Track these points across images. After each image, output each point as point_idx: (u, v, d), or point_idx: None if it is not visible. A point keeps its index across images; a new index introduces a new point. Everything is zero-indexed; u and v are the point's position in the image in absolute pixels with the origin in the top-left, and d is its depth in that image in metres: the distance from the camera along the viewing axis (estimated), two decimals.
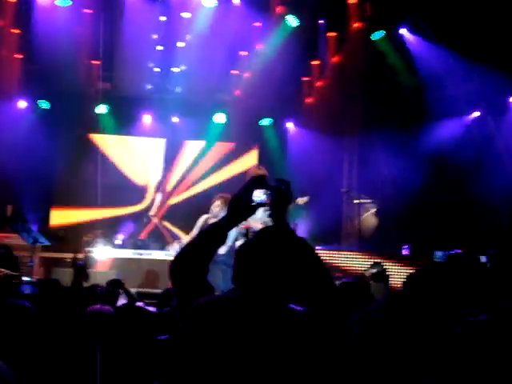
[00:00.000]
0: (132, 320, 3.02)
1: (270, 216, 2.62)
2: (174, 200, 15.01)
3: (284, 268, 2.41)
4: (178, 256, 2.58)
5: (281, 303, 2.38)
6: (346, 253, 12.80)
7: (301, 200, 9.90)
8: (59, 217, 14.43)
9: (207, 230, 2.63)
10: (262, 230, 2.63)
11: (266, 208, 2.66)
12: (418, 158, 12.76)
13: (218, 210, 9.37)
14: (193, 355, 2.22)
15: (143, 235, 14.19)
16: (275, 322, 2.28)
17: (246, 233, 2.70)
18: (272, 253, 2.44)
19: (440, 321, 3.29)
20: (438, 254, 8.33)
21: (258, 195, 2.60)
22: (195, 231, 9.34)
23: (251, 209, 2.61)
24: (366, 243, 13.50)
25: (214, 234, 2.60)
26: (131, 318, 3.03)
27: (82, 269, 3.76)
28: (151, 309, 5.32)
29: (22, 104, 13.98)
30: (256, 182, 2.60)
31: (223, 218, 2.62)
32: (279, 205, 2.62)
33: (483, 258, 4.56)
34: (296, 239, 2.51)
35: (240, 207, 2.59)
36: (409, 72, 12.86)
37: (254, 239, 2.57)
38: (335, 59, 13.57)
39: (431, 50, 12.62)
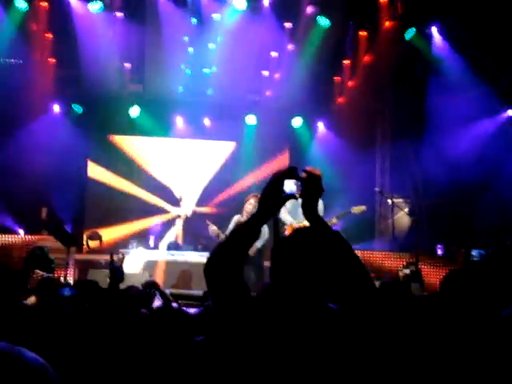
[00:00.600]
0: (169, 322, 3.02)
1: (301, 207, 2.60)
2: (207, 203, 15.03)
3: (322, 267, 2.40)
4: (212, 256, 2.56)
5: (318, 302, 2.37)
6: (379, 252, 12.77)
7: (356, 208, 9.86)
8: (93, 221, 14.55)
9: (240, 227, 2.61)
10: (299, 229, 2.62)
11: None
12: (450, 157, 12.64)
13: (251, 208, 9.40)
14: (232, 355, 2.22)
15: (178, 237, 14.23)
16: (314, 320, 2.28)
17: (275, 223, 2.61)
18: (310, 251, 2.43)
19: (478, 321, 3.26)
20: (475, 252, 8.20)
21: (289, 186, 2.58)
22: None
23: (282, 200, 2.58)
24: (399, 243, 13.43)
25: (247, 230, 2.58)
26: (168, 319, 3.04)
27: (117, 270, 3.78)
28: (187, 310, 5.35)
29: (56, 108, 14.11)
30: (286, 173, 2.58)
31: (255, 213, 2.60)
32: (311, 196, 2.59)
33: None
34: (334, 237, 2.50)
35: (271, 199, 2.57)
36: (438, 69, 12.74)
37: (291, 237, 2.56)
38: (366, 58, 13.49)
39: (453, 55, 12.55)
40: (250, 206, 9.46)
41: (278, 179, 2.56)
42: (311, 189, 2.57)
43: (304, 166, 2.62)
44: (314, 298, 2.37)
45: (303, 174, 2.57)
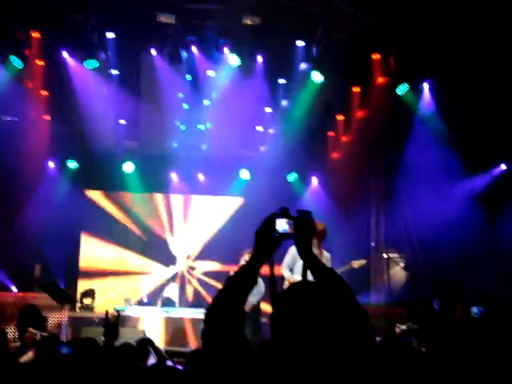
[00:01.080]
0: (164, 380, 2.96)
1: (295, 245, 2.60)
2: (203, 258, 14.98)
3: (323, 319, 2.36)
4: (211, 305, 2.53)
5: (321, 357, 2.32)
6: (375, 307, 12.69)
7: (357, 263, 9.74)
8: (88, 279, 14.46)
9: (236, 274, 2.59)
10: (295, 283, 2.59)
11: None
12: (447, 208, 12.67)
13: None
14: None
15: (173, 294, 14.17)
16: (317, 377, 2.23)
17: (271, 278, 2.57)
18: (309, 305, 2.38)
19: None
20: (475, 309, 8.09)
21: (282, 226, 2.58)
22: None
23: (276, 241, 2.59)
24: (395, 297, 13.36)
25: (244, 275, 2.56)
26: (163, 377, 2.98)
27: (113, 327, 3.73)
28: (179, 367, 5.26)
29: (51, 164, 14.15)
30: (277, 213, 2.59)
31: (250, 258, 2.60)
32: (304, 233, 2.59)
33: None
34: (328, 275, 2.48)
35: (264, 240, 2.57)
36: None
37: (288, 291, 2.52)
38: (360, 114, 13.60)
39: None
40: (244, 262, 9.32)
41: (269, 219, 2.57)
42: (304, 227, 2.58)
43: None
44: (316, 353, 2.32)
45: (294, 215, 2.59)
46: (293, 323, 2.38)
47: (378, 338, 8.48)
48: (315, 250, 9.25)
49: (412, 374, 3.47)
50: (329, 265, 9.17)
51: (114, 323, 3.50)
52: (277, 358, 2.31)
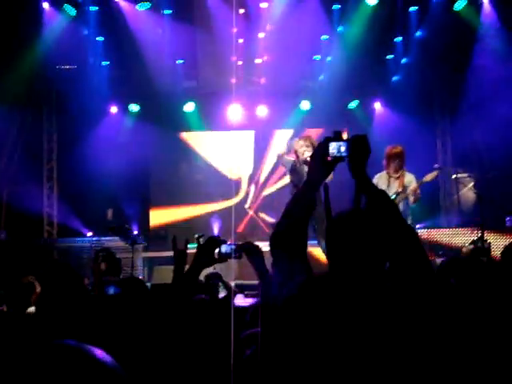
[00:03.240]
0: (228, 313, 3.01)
1: (349, 169, 2.60)
2: (267, 191, 15.05)
3: (378, 244, 2.37)
4: (276, 230, 2.58)
5: (378, 281, 2.33)
6: (446, 229, 12.57)
7: (429, 176, 9.56)
8: (158, 217, 14.72)
9: (294, 199, 2.62)
10: (355, 210, 2.59)
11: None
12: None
13: (303, 150, 9.11)
14: (295, 335, 2.19)
15: (241, 228, 14.32)
16: (375, 301, 2.24)
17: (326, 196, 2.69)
18: (364, 231, 2.39)
19: None
20: None
21: (335, 149, 2.60)
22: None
23: (330, 164, 2.60)
24: (466, 218, 13.20)
25: (303, 197, 2.59)
26: (229, 311, 3.03)
27: (181, 254, 3.81)
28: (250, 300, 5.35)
29: (114, 109, 14.33)
30: (330, 137, 2.59)
31: (305, 181, 2.63)
32: (358, 157, 2.59)
33: None
34: (380, 196, 2.49)
35: (319, 163, 2.58)
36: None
37: (346, 216, 2.53)
38: (419, 34, 13.26)
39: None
40: (301, 147, 9.15)
41: (323, 143, 2.58)
42: (357, 149, 2.58)
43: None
44: (373, 276, 2.34)
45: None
46: (346, 253, 2.39)
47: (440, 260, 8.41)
48: (395, 174, 9.21)
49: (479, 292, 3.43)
50: (412, 185, 9.10)
51: (182, 250, 3.57)
52: (332, 285, 2.33)
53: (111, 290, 3.82)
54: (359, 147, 2.59)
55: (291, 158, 9.29)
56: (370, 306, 2.22)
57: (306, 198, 2.59)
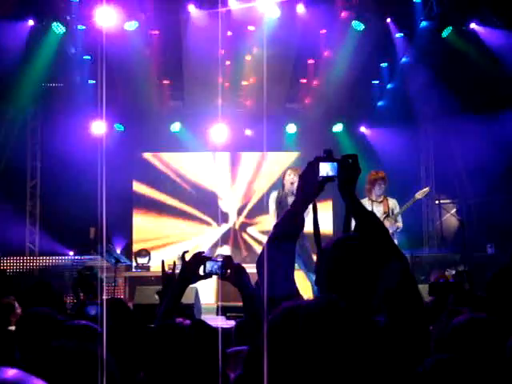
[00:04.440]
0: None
1: (339, 190, 2.60)
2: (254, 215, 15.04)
3: (372, 276, 2.36)
4: (262, 252, 2.58)
5: (366, 313, 2.32)
6: (428, 255, 12.62)
7: (420, 193, 9.67)
8: (142, 238, 14.69)
9: (283, 219, 2.62)
10: (349, 236, 2.60)
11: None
12: (497, 148, 12.43)
13: (289, 179, 9.22)
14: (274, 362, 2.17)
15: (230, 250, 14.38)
16: (361, 333, 2.22)
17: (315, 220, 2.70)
18: (360, 261, 2.39)
19: None
20: None
21: (326, 170, 2.60)
22: (270, 211, 9.36)
23: (320, 184, 2.60)
24: (449, 244, 13.26)
25: (291, 218, 2.59)
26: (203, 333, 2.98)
27: (169, 278, 3.79)
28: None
29: (99, 128, 14.28)
30: (321, 157, 2.59)
31: (293, 201, 2.62)
32: (348, 177, 2.59)
33: None
34: (370, 218, 2.48)
35: (308, 184, 2.58)
36: (486, 63, 12.41)
37: (334, 249, 2.52)
38: (404, 60, 13.35)
39: (506, 38, 12.20)
40: (289, 176, 9.29)
41: (313, 163, 2.58)
42: (348, 170, 2.57)
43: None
44: (362, 308, 2.32)
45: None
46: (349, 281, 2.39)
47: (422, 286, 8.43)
48: (378, 198, 9.27)
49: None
50: (396, 210, 9.18)
51: (170, 274, 3.58)
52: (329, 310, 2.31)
53: (92, 311, 3.78)
54: (349, 168, 2.59)
55: (275, 193, 9.45)
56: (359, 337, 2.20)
57: (294, 217, 2.58)
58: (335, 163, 2.59)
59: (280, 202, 9.28)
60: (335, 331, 1.98)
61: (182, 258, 3.44)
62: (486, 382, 1.67)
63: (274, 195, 9.50)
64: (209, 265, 3.25)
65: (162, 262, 3.75)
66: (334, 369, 1.91)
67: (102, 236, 13.51)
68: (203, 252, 3.44)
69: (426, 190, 9.84)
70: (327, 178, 2.59)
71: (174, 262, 3.86)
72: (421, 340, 2.29)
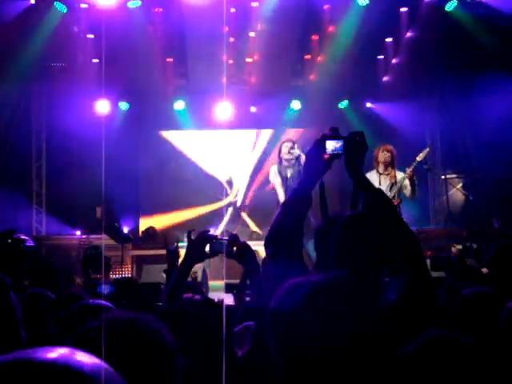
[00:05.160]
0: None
1: (346, 167, 2.60)
2: (256, 191, 15.03)
3: (380, 251, 2.36)
4: (274, 227, 2.58)
5: (373, 291, 2.32)
6: (435, 230, 12.62)
7: (421, 155, 9.67)
8: (148, 220, 14.71)
9: (290, 199, 2.62)
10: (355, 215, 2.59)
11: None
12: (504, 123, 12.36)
13: (286, 150, 9.33)
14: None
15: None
16: (367, 310, 2.22)
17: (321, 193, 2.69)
18: (369, 236, 2.38)
19: None
20: None
21: (331, 147, 2.59)
22: (276, 184, 9.43)
23: (326, 162, 2.60)
24: (455, 219, 13.23)
25: (299, 196, 2.59)
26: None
27: (174, 253, 3.80)
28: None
29: (103, 107, 14.23)
30: (328, 134, 2.59)
31: (300, 180, 2.62)
32: (354, 154, 2.58)
33: None
34: (377, 195, 2.48)
35: (315, 161, 2.57)
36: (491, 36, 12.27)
37: (343, 229, 2.51)
38: (409, 34, 13.25)
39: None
40: (286, 148, 9.41)
41: (319, 141, 2.57)
42: (354, 147, 2.57)
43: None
44: (371, 282, 2.33)
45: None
46: (352, 255, 2.38)
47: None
48: (385, 171, 9.28)
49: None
50: (403, 182, 9.17)
51: (174, 249, 3.62)
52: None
53: (105, 290, 3.80)
54: (356, 144, 2.58)
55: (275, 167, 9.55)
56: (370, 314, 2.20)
57: (303, 195, 2.58)
58: (341, 140, 2.58)
59: (280, 176, 9.37)
60: (344, 308, 1.98)
61: (188, 236, 3.45)
62: (475, 365, 1.66)
63: (274, 169, 9.58)
64: (215, 244, 3.26)
65: (164, 237, 3.78)
66: (339, 344, 1.91)
67: (109, 215, 13.61)
68: (209, 230, 3.45)
69: (426, 151, 9.85)
70: (334, 156, 2.59)
71: (178, 239, 3.89)
72: (428, 316, 2.29)
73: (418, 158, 9.58)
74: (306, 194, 2.62)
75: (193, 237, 3.45)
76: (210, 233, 3.41)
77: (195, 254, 3.34)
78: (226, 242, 3.23)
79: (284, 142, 9.77)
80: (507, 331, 2.59)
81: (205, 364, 2.64)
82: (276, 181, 9.60)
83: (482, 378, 1.62)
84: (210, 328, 2.71)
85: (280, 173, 9.51)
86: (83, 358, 1.13)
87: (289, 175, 9.54)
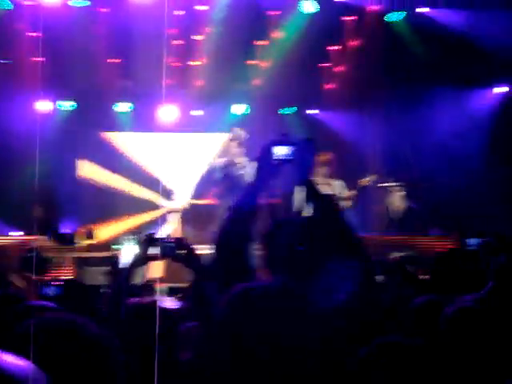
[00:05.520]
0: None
1: (295, 173, 2.61)
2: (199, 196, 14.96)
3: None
4: (224, 227, 2.58)
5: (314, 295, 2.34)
6: (374, 237, 12.74)
7: (364, 181, 9.72)
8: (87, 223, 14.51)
9: (238, 204, 2.62)
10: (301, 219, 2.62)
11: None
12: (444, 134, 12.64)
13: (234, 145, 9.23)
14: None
15: (176, 231, 14.27)
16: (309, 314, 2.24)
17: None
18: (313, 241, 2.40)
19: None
20: (472, 241, 7.93)
21: (280, 152, 2.60)
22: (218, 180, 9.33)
23: (275, 168, 2.61)
24: (395, 226, 13.40)
25: (247, 204, 2.59)
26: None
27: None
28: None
29: (44, 106, 14.02)
30: (277, 140, 2.60)
31: (250, 184, 2.63)
32: (303, 160, 2.60)
33: None
34: (330, 215, 2.50)
35: (263, 167, 2.58)
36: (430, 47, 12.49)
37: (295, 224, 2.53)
38: (354, 43, 13.42)
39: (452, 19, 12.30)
40: (233, 148, 9.28)
41: (268, 146, 2.58)
42: (303, 153, 2.58)
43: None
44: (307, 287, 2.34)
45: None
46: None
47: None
48: (322, 180, 9.33)
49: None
50: (343, 192, 9.21)
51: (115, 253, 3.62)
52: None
53: (50, 292, 3.73)
54: (304, 151, 2.60)
55: (221, 160, 9.40)
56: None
57: (251, 199, 2.58)
58: (291, 146, 2.59)
59: (227, 173, 9.28)
60: (289, 312, 2.00)
61: (135, 238, 3.44)
62: (423, 367, 1.70)
63: (218, 164, 9.45)
64: (161, 246, 3.23)
65: (136, 234, 3.77)
66: (286, 348, 1.93)
67: (48, 215, 13.40)
68: (154, 233, 3.44)
69: (372, 177, 9.92)
70: (283, 161, 2.60)
71: (117, 243, 3.87)
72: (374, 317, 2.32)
73: (362, 183, 9.66)
74: (254, 199, 2.63)
75: (140, 239, 3.43)
76: (156, 236, 3.39)
77: (140, 256, 3.32)
78: (172, 244, 3.22)
79: (230, 142, 9.63)
80: (446, 334, 2.64)
81: (145, 367, 2.63)
82: (219, 177, 9.45)
83: (429, 379, 1.66)
84: (154, 332, 2.69)
85: (226, 171, 9.38)
86: (9, 359, 1.13)
87: (235, 174, 9.39)
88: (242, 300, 2.19)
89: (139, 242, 3.37)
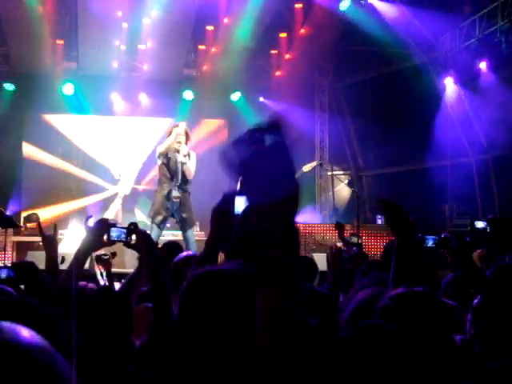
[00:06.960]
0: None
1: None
2: (145, 180, 14.86)
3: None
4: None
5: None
6: (321, 225, 12.85)
7: (307, 166, 9.70)
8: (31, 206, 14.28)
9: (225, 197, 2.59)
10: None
11: None
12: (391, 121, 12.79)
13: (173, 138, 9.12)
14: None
15: (117, 215, 14.15)
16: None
17: None
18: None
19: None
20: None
21: (116, 233, 2.69)
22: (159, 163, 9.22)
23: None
24: (340, 215, 13.55)
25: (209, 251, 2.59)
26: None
27: (51, 240, 3.74)
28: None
29: None
30: (110, 222, 2.70)
31: (209, 237, 2.63)
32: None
33: (482, 224, 4.40)
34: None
35: (223, 222, 2.57)
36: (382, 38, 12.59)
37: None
38: (303, 31, 13.41)
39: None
40: (176, 134, 9.13)
41: (228, 197, 2.53)
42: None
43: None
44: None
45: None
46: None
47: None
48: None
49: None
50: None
51: (51, 236, 3.53)
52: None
53: (3, 274, 3.66)
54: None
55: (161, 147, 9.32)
56: None
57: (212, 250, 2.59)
58: (125, 229, 2.73)
59: (169, 157, 9.17)
60: (248, 296, 1.98)
61: (86, 223, 3.37)
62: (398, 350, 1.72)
63: (160, 149, 9.32)
64: (114, 232, 3.19)
65: (55, 226, 3.70)
66: (244, 333, 1.91)
67: None
68: (108, 219, 3.38)
69: (314, 163, 9.99)
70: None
71: (55, 225, 3.79)
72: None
73: (305, 169, 9.70)
74: (215, 251, 2.62)
75: (90, 224, 3.35)
76: (110, 220, 3.33)
77: (93, 241, 3.24)
78: (125, 230, 3.16)
79: (173, 128, 9.38)
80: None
81: (95, 351, 2.58)
82: (158, 162, 9.30)
83: (405, 361, 1.69)
84: (108, 316, 2.65)
85: (169, 155, 9.20)
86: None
87: (178, 159, 9.21)
88: (197, 286, 2.17)
89: (90, 227, 3.28)
